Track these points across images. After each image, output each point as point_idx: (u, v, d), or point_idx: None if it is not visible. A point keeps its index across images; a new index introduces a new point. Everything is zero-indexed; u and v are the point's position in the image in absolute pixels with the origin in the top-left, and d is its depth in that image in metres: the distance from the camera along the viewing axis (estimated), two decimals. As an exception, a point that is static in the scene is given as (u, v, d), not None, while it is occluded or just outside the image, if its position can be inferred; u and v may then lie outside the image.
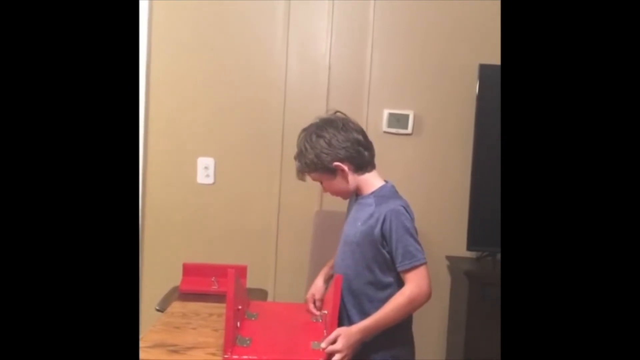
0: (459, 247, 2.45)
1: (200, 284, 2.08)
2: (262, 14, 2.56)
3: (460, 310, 2.38)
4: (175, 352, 1.40)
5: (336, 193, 1.59)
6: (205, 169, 2.62)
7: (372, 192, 1.53)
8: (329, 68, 2.57)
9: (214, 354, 1.39)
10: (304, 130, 1.57)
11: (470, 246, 2.42)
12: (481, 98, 2.38)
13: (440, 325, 2.60)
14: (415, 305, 1.44)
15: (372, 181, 1.55)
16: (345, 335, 1.38)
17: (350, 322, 1.47)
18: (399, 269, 1.45)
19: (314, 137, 1.52)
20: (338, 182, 1.54)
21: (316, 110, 2.48)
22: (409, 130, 2.55)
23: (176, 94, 2.61)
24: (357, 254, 1.51)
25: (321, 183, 1.59)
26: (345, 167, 1.51)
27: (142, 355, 1.34)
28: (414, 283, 1.43)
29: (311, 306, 1.63)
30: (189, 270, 2.12)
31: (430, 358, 2.57)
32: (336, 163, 1.50)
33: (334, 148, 1.50)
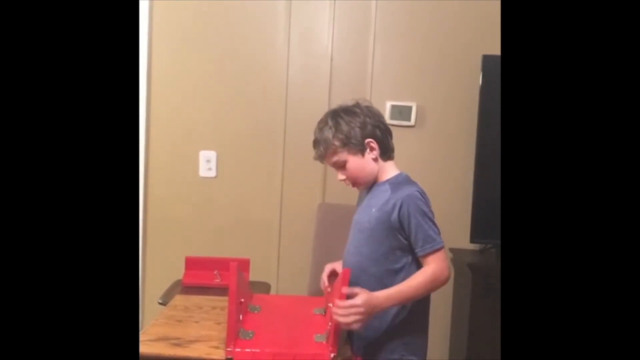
0: (463, 239, 2.45)
1: (203, 277, 2.09)
2: (264, 7, 2.55)
3: (464, 302, 2.38)
4: (178, 345, 1.40)
5: (357, 177, 1.55)
6: (207, 162, 2.61)
7: (388, 180, 1.54)
8: (331, 60, 2.56)
9: (216, 347, 1.39)
10: (331, 110, 1.57)
11: (473, 238, 2.41)
12: (484, 89, 2.36)
13: (444, 316, 2.60)
14: (435, 285, 1.43)
15: (389, 169, 1.56)
16: (368, 295, 1.36)
17: None
18: (420, 254, 1.44)
19: (347, 114, 1.52)
20: (365, 163, 1.52)
21: (318, 103, 2.49)
22: (412, 122, 2.54)
23: (178, 87, 2.61)
24: (372, 241, 1.50)
25: (340, 168, 1.55)
26: (376, 146, 1.52)
27: (144, 348, 1.34)
28: (435, 264, 1.43)
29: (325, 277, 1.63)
30: (192, 263, 2.13)
31: (434, 349, 2.58)
32: (369, 139, 1.51)
33: (367, 125, 1.51)
